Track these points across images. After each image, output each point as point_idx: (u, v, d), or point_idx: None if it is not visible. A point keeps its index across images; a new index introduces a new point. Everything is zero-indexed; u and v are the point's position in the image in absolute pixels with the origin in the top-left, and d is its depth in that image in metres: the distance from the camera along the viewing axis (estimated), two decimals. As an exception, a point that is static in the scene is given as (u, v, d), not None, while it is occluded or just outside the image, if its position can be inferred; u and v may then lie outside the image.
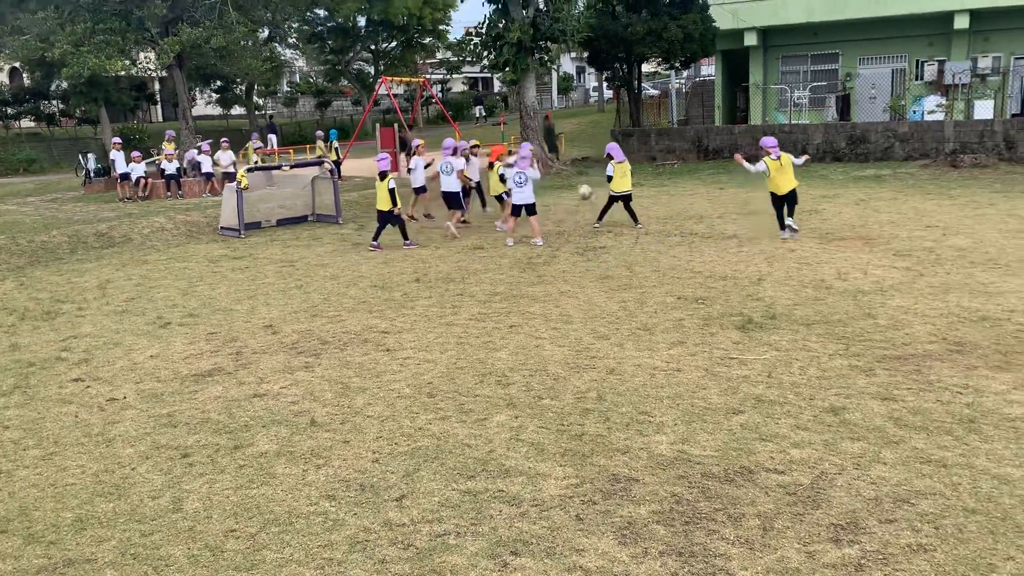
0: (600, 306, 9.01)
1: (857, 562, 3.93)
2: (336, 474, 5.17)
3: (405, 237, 13.34)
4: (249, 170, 16.30)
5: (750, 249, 11.79)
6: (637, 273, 10.61)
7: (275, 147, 32.33)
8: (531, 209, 13.02)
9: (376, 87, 34.85)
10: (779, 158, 12.17)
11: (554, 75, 55.75)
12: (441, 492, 4.85)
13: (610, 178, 13.92)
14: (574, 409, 6.03)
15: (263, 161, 25.44)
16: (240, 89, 42.26)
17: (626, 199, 14.03)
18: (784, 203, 12.38)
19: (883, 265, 10.32)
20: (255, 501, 4.87)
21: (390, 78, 32.94)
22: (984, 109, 23.91)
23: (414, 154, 15.66)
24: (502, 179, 14.15)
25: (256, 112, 44.25)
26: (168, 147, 21.44)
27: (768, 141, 12.47)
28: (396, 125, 22.33)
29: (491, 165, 14.74)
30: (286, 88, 52.94)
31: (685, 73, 42.92)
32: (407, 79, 35.22)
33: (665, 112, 33.81)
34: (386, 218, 13.01)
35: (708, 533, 4.26)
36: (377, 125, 20.57)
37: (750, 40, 29.03)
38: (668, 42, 24.34)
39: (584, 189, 14.84)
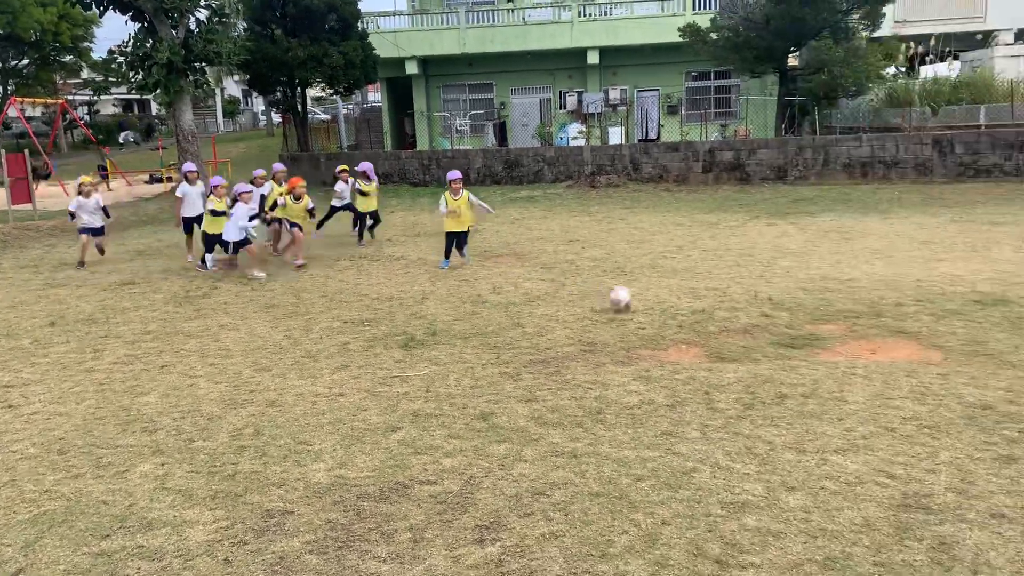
0: (263, 337, 8.73)
1: (498, 558, 4.20)
2: (-67, 559, 4.41)
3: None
4: None
5: (415, 270, 12.18)
6: (304, 300, 10.46)
7: None
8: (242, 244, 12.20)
9: (4, 109, 30.74)
10: (460, 196, 11.86)
11: (218, 98, 53.40)
12: (68, 559, 4.34)
13: (363, 193, 14.41)
14: (228, 448, 5.75)
15: None
16: None
17: (374, 216, 14.82)
18: (456, 239, 12.18)
19: (532, 278, 11.23)
20: None
21: (22, 99, 29.28)
22: (616, 135, 27.12)
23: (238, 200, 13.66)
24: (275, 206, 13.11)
25: None
26: None
27: (453, 174, 12.03)
28: (27, 151, 19.82)
29: (274, 204, 13.20)
30: None
31: (357, 99, 43.41)
32: (44, 100, 31.53)
33: (335, 137, 33.88)
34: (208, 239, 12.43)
35: (360, 554, 4.29)
36: (2, 151, 18.06)
37: (411, 69, 30.19)
38: (330, 68, 24.47)
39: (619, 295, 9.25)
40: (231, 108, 56.61)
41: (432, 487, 5.03)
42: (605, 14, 29.29)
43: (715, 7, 26.14)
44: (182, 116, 22.50)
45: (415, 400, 6.59)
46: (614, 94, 29.68)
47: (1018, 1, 27.42)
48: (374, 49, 26.53)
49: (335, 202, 15.16)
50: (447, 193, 11.98)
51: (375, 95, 43.91)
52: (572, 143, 26.59)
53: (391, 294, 10.59)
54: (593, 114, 29.29)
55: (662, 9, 28.98)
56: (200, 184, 13.72)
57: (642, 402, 6.33)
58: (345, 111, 36.08)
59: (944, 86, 23.51)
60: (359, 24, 26.37)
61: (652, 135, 30.19)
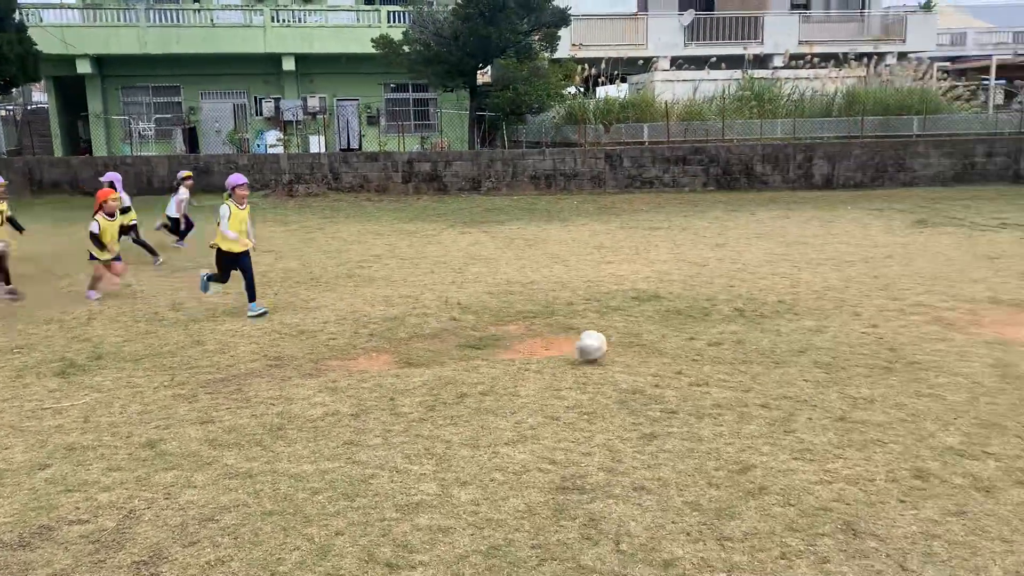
0: None
1: (155, 595, 3.89)
2: None
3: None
4: None
5: (83, 289, 11.00)
6: (-63, 328, 9.01)
7: None
8: None
9: None
10: (245, 206, 9.48)
11: None
12: None
13: (126, 210, 12.65)
14: None
15: None
16: None
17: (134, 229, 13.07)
18: (238, 266, 9.44)
19: (217, 292, 10.63)
20: None
21: None
22: (316, 144, 26.70)
23: None
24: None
25: None
26: None
27: (238, 179, 9.39)
28: None
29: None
30: None
31: (19, 98, 38.52)
32: None
33: (-9, 141, 29.74)
34: None
35: (-13, 614, 3.75)
36: None
37: (84, 68, 27.47)
38: (-22, 62, 21.42)
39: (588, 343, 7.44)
40: None
41: (84, 526, 4.54)
42: (299, 21, 28.72)
43: (409, 21, 26.70)
44: None
45: (70, 433, 5.93)
46: (313, 102, 29.19)
47: (672, 33, 31.24)
48: (35, 44, 23.62)
49: (173, 211, 14.16)
50: (231, 202, 9.30)
51: (42, 95, 39.29)
52: (270, 151, 25.73)
53: (51, 316, 9.47)
54: (291, 121, 28.59)
55: (357, 19, 29.04)
56: None
57: (326, 413, 6.24)
58: (3, 112, 31.80)
59: (614, 106, 26.04)
60: (15, 15, 23.34)
61: (353, 144, 30.12)
